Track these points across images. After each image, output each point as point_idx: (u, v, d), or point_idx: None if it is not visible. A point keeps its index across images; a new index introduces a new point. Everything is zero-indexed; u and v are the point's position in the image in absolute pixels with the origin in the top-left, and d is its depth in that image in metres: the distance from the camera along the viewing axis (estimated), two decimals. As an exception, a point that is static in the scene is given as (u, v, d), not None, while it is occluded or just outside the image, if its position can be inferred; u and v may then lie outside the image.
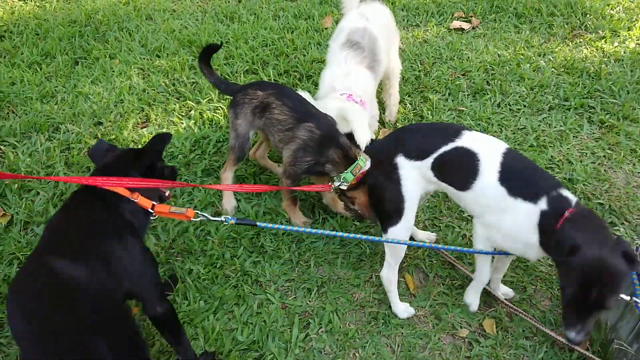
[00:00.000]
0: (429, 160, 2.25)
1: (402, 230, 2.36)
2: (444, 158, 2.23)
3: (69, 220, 2.01)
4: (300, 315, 2.57)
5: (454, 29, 4.71)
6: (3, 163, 3.40)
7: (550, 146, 3.39)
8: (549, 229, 1.98)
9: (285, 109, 2.76)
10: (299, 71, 4.13)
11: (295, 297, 2.66)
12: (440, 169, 2.24)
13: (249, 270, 2.77)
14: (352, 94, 2.90)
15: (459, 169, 2.21)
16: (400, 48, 4.01)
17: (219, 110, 3.78)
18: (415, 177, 2.29)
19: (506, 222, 2.14)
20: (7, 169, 3.35)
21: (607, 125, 3.55)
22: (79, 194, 2.10)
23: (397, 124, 3.64)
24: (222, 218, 2.27)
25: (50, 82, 4.18)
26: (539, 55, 4.28)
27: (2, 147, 3.52)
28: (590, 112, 3.67)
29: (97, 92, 4.01)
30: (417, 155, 2.27)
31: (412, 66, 4.19)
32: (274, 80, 4.02)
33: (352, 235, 2.46)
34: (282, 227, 2.46)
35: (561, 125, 3.55)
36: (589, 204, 3.00)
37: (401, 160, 2.30)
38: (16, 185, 3.19)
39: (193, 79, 4.08)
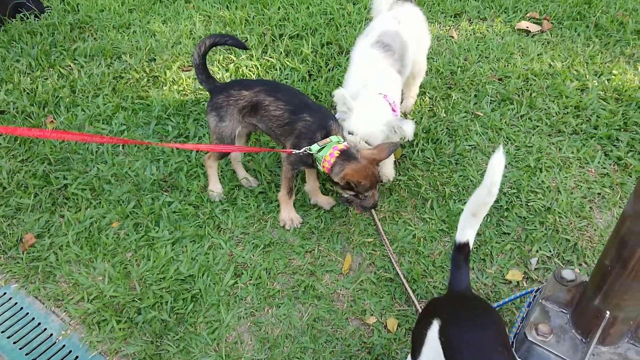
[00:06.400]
0: None
1: None
2: None
3: None
4: (239, 264, 2.92)
5: (519, 29, 4.52)
6: (67, 78, 4.04)
7: (546, 170, 3.29)
8: None
9: (280, 104, 2.84)
10: (342, 45, 4.29)
11: (243, 249, 2.99)
12: None
13: (217, 216, 3.14)
14: (387, 95, 2.94)
15: None
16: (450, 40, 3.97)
17: (254, 68, 4.10)
18: None
19: None
20: (68, 84, 3.99)
21: (622, 163, 3.32)
22: None
23: (409, 117, 3.71)
24: None
25: (131, 14, 4.76)
26: (595, 75, 4.00)
27: (72, 65, 4.17)
28: (613, 145, 3.44)
29: (163, 31, 4.51)
30: None
31: (453, 60, 4.15)
32: (314, 50, 4.23)
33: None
34: None
35: (571, 152, 3.40)
36: (554, 237, 2.94)
37: None
38: (68, 100, 3.81)
39: (245, 35, 4.41)
